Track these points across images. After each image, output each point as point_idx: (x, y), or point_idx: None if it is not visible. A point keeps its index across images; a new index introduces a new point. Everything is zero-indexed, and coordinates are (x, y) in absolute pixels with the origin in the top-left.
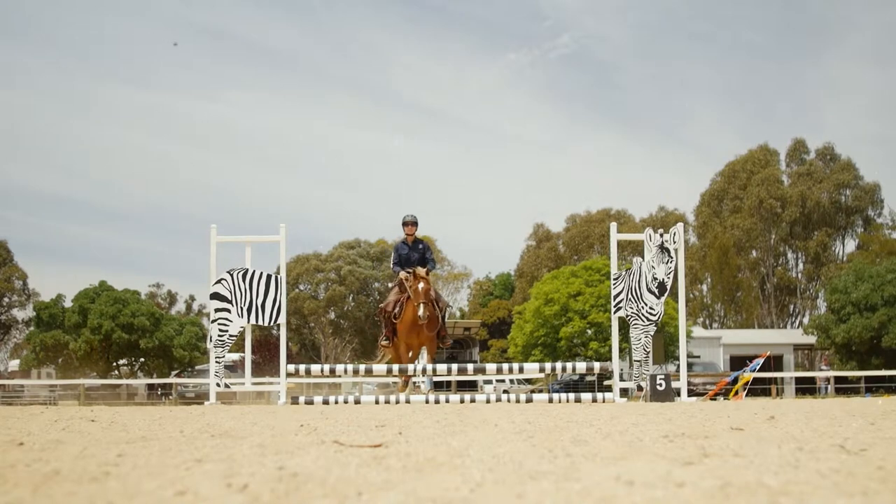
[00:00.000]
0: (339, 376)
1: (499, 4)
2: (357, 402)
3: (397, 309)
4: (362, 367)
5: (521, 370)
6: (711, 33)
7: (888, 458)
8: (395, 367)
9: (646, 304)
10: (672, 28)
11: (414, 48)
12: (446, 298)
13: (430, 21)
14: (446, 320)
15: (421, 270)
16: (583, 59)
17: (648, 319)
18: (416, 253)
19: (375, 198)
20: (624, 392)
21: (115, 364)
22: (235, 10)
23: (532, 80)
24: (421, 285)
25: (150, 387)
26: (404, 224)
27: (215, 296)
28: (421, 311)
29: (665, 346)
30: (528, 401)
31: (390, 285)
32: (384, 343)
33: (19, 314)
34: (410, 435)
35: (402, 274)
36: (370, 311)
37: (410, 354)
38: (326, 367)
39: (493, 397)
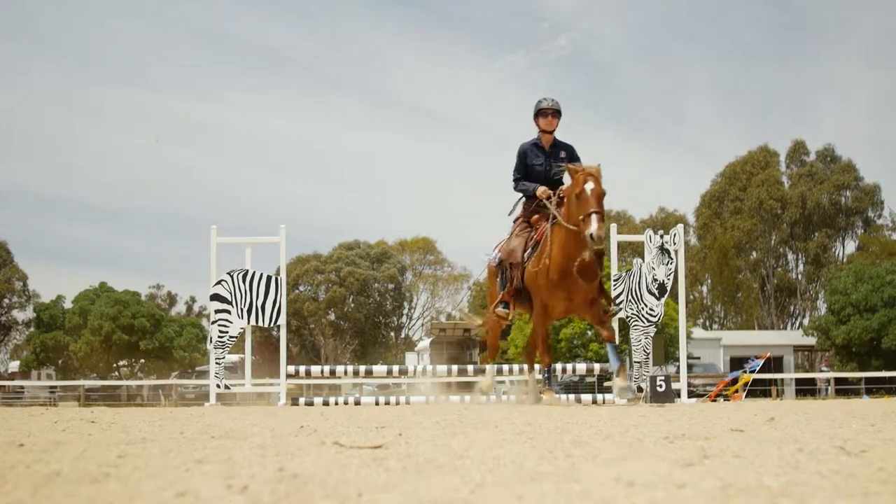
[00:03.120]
0: (339, 377)
1: (497, 6)
2: (357, 403)
3: (529, 250)
4: (362, 367)
5: (521, 371)
6: (710, 34)
7: (888, 460)
8: (395, 367)
9: (646, 306)
10: (671, 29)
11: (413, 50)
12: (446, 300)
13: (428, 23)
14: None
15: (585, 165)
16: (581, 61)
17: (648, 321)
18: (556, 162)
19: (375, 199)
20: None
21: (115, 365)
22: (235, 12)
23: (531, 81)
24: (590, 186)
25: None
26: (540, 114)
27: (215, 297)
28: (593, 227)
29: (665, 347)
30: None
31: (513, 217)
32: (501, 312)
33: (19, 315)
34: (410, 436)
35: (541, 190)
36: (370, 313)
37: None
38: (326, 368)
39: (492, 398)
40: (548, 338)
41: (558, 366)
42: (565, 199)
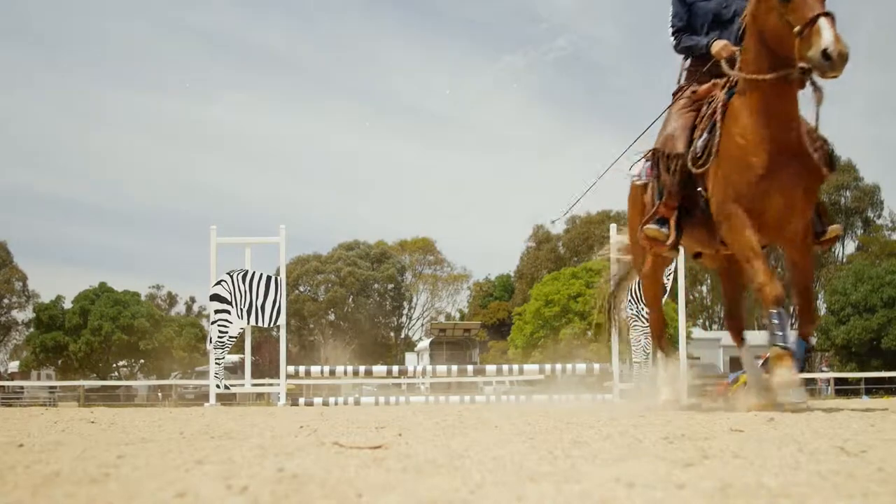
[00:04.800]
0: (339, 378)
1: (495, 8)
2: (357, 403)
3: (705, 135)
4: (362, 368)
5: (521, 371)
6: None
7: (888, 460)
8: (395, 367)
9: (645, 306)
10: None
11: (412, 51)
12: (446, 300)
13: (427, 24)
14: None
15: None
16: (580, 62)
17: (648, 321)
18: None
19: (374, 200)
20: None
21: (114, 365)
22: (235, 14)
23: (529, 82)
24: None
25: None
26: None
27: (215, 297)
28: (826, 40)
29: None
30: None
31: (674, 93)
32: (654, 231)
33: (19, 315)
34: (410, 436)
35: (719, 45)
36: (370, 313)
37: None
38: (326, 368)
39: (492, 398)
40: (767, 259)
41: (557, 366)
42: (755, 23)
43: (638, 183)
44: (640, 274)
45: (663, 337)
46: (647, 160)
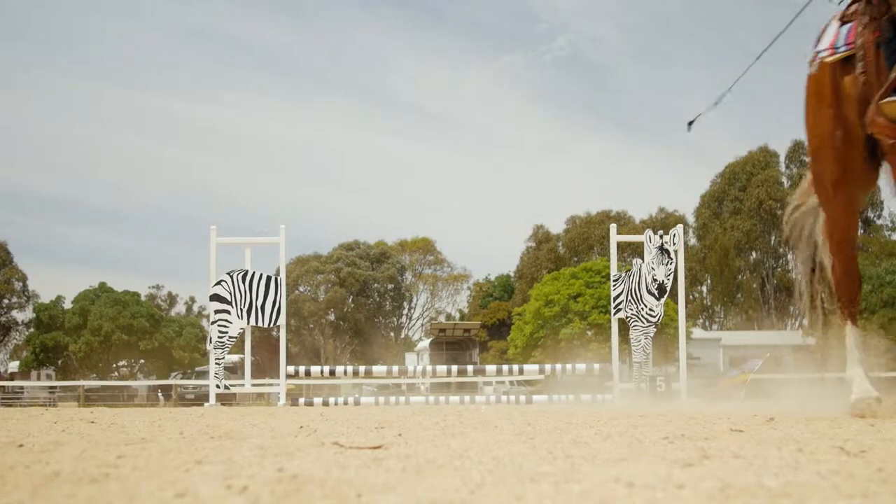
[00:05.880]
0: (339, 378)
1: (495, 7)
2: (357, 403)
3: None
4: (362, 368)
5: (521, 371)
6: (709, 34)
7: (888, 460)
8: (395, 367)
9: (645, 306)
10: (668, 30)
11: (411, 51)
12: (446, 300)
13: (426, 24)
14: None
15: None
16: (579, 62)
17: (648, 321)
18: None
19: (374, 200)
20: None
21: (115, 365)
22: (234, 14)
23: (528, 82)
24: None
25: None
26: None
27: (215, 297)
28: None
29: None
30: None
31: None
32: None
33: (19, 316)
34: (410, 436)
35: None
36: (370, 313)
37: None
38: (326, 368)
39: (492, 398)
40: None
41: (557, 366)
42: None
43: (830, 59)
44: (825, 198)
45: (854, 303)
46: (844, 22)
